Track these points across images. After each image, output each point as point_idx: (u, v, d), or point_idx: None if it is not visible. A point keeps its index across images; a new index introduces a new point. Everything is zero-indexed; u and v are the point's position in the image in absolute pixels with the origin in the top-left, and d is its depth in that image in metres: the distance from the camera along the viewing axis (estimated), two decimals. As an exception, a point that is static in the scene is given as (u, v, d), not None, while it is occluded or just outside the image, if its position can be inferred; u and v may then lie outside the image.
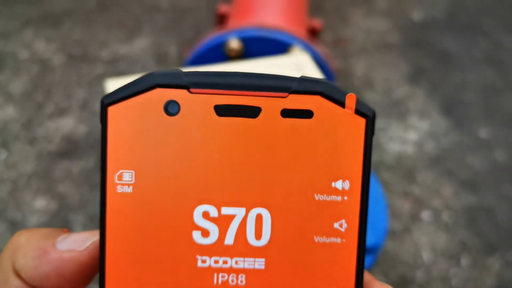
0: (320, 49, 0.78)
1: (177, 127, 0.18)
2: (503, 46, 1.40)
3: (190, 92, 0.18)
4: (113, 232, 0.18)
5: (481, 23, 1.50)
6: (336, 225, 0.19)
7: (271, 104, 0.18)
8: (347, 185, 0.19)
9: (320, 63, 0.72)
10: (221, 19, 0.98)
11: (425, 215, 0.92)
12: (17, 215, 0.85)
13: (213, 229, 0.19)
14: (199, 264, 0.18)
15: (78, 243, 0.19)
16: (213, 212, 0.18)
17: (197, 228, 0.18)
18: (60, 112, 1.05)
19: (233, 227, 0.19)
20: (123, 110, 0.18)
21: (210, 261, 0.19)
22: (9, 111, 1.04)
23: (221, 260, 0.19)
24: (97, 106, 1.07)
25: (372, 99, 1.17)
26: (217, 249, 0.19)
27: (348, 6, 1.52)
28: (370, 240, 0.46)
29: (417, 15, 1.51)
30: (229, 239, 0.19)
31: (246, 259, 0.19)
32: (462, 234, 0.90)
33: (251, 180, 0.19)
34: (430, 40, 1.40)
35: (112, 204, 0.18)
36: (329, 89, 0.19)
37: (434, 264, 0.84)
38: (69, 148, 0.98)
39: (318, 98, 0.19)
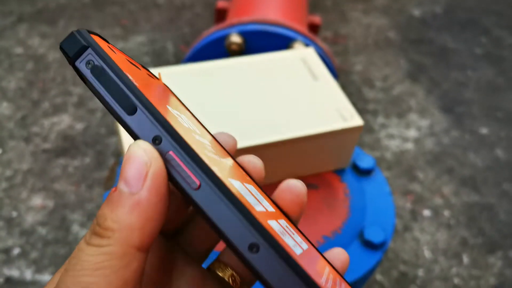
0: (322, 45, 0.77)
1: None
2: (504, 43, 1.40)
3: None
4: None
5: (481, 20, 1.50)
6: None
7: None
8: None
9: (324, 58, 0.71)
10: (220, 15, 0.97)
11: (426, 213, 0.91)
12: (12, 213, 0.83)
13: None
14: None
15: (145, 158, 0.17)
16: None
17: None
18: (56, 109, 1.04)
19: None
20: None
21: None
22: (3, 108, 1.03)
23: None
24: (93, 104, 1.05)
25: (372, 96, 1.16)
26: None
27: (347, 3, 1.51)
28: (379, 237, 0.45)
29: (416, 11, 1.51)
30: None
31: None
32: (463, 232, 0.89)
33: None
34: (430, 36, 1.40)
35: None
36: None
37: (435, 262, 0.84)
38: (65, 146, 0.96)
39: None
